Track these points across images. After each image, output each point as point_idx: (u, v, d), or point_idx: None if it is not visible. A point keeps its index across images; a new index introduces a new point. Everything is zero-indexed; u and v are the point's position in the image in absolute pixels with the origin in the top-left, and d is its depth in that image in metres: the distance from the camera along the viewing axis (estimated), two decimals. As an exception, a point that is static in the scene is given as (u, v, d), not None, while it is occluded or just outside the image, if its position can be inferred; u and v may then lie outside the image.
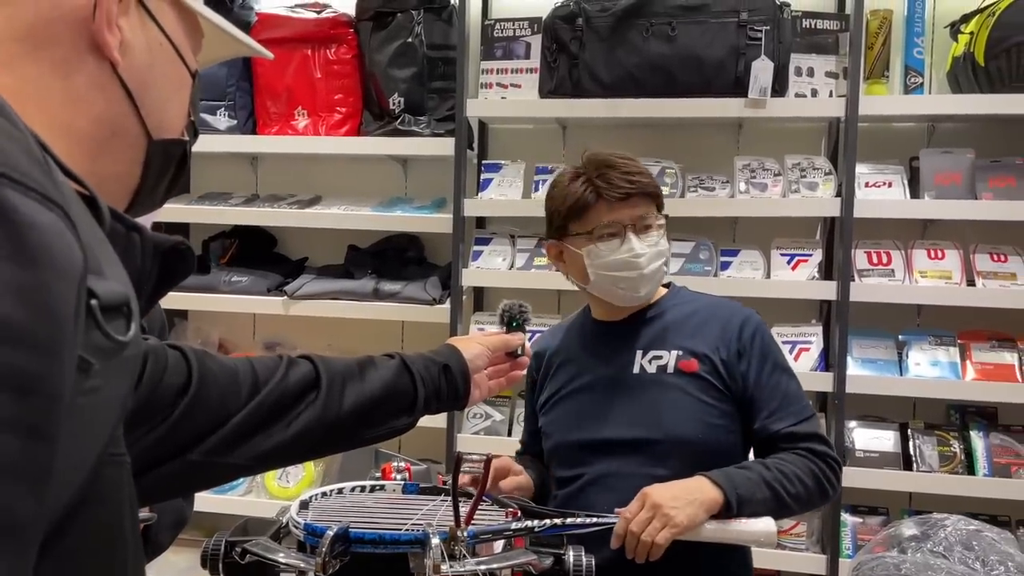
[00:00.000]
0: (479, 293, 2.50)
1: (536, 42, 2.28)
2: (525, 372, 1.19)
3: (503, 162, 2.36)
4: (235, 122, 2.43)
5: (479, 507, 1.02)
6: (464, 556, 0.84)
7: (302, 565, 0.86)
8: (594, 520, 1.04)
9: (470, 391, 1.05)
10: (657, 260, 1.36)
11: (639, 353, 1.37)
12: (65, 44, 0.56)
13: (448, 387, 1.03)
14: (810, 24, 2.18)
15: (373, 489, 1.24)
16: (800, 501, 1.25)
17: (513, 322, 1.18)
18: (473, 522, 0.97)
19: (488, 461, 0.98)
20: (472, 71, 2.32)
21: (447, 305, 2.30)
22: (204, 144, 2.42)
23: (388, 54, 2.34)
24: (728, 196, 2.22)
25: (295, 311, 2.37)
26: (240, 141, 2.44)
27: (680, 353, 1.35)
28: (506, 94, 2.30)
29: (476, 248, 2.35)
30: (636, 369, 1.36)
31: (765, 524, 1.17)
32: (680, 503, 1.16)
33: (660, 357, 1.36)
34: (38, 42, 0.55)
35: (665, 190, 2.22)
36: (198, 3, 0.67)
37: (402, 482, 1.27)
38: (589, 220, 1.35)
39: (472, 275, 2.31)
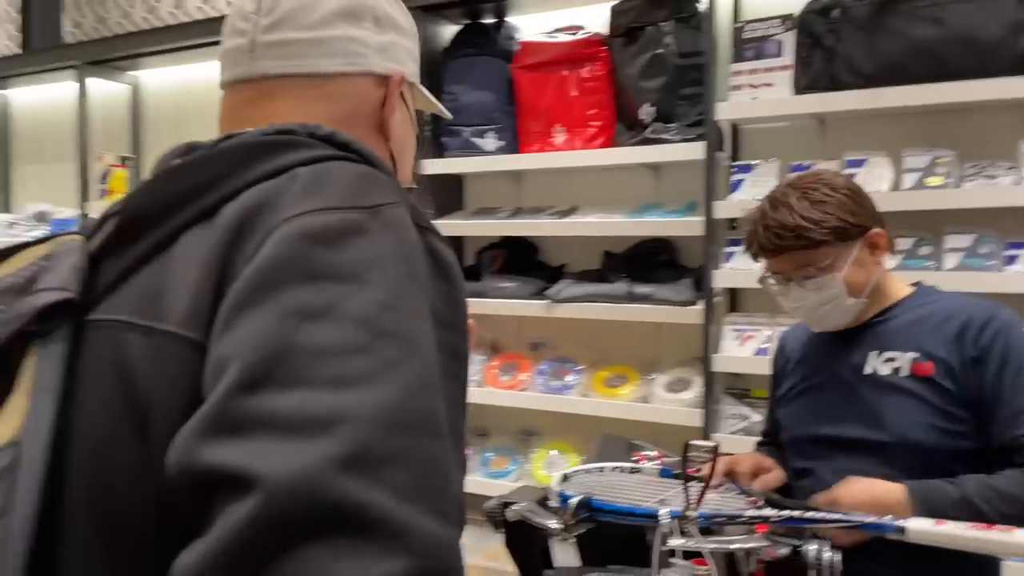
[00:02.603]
0: (734, 294, 2.51)
1: (788, 39, 2.25)
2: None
3: (754, 162, 2.35)
4: (502, 143, 2.67)
5: (725, 495, 1.08)
6: (693, 534, 0.91)
7: (550, 524, 0.99)
8: (836, 516, 1.06)
9: None
10: (824, 304, 1.35)
11: (873, 354, 1.35)
12: (362, 128, 0.77)
13: None
14: (1113, -15, 1.93)
15: (633, 471, 1.34)
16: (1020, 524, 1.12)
17: None
18: (714, 507, 1.03)
19: (715, 449, 1.03)
20: (722, 74, 2.34)
21: (700, 306, 2.34)
22: (475, 165, 2.71)
23: (639, 67, 2.44)
24: (1014, 183, 2.02)
25: (556, 313, 2.55)
26: (506, 160, 2.67)
27: (915, 356, 1.31)
28: (757, 94, 2.30)
29: (728, 250, 2.37)
30: (869, 370, 1.34)
31: None
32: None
33: (893, 359, 1.33)
34: (347, 126, 0.74)
35: (937, 181, 2.09)
36: (424, 90, 0.88)
37: (660, 466, 1.36)
38: (762, 260, 1.45)
39: (724, 276, 2.32)
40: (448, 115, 1.01)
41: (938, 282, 1.99)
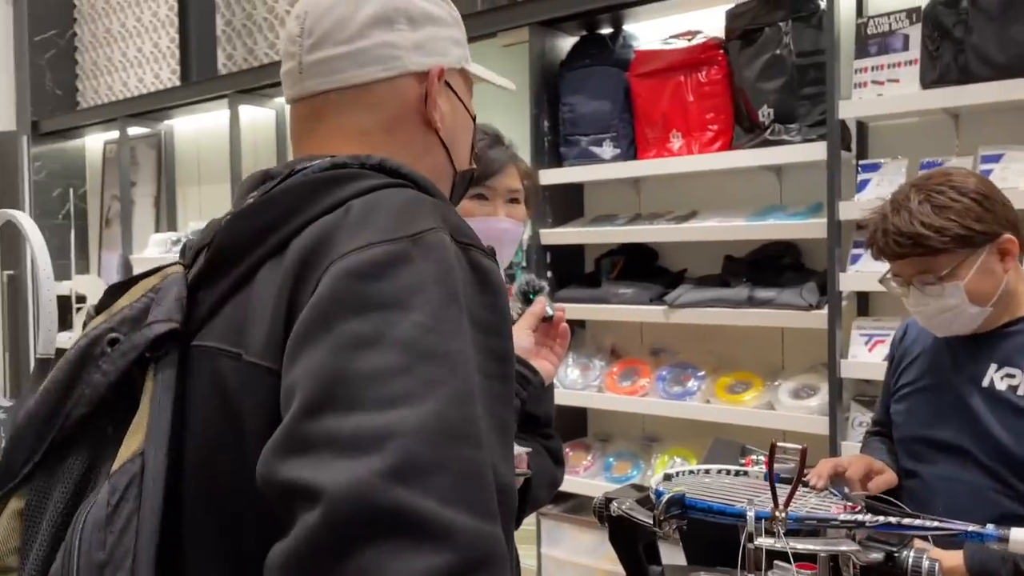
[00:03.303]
0: (863, 298, 2.42)
1: (915, 33, 2.17)
2: (565, 325, 1.22)
3: (882, 161, 2.27)
4: (618, 151, 2.70)
5: (826, 499, 1.08)
6: (781, 535, 0.92)
7: (644, 520, 1.03)
8: (935, 524, 1.03)
9: (535, 369, 1.16)
10: (945, 312, 1.32)
11: (993, 367, 1.31)
12: (410, 126, 0.84)
13: (518, 378, 1.13)
14: None
15: (738, 474, 1.35)
16: None
17: (530, 295, 1.26)
18: (809, 510, 1.04)
19: (803, 452, 1.04)
20: (844, 72, 2.28)
21: (824, 311, 2.28)
22: (593, 173, 2.75)
23: (756, 69, 2.42)
24: None
25: (675, 319, 2.55)
26: (623, 167, 2.70)
27: None
28: (882, 91, 2.22)
29: (855, 251, 2.29)
30: (986, 383, 1.30)
31: None
32: None
33: (1013, 376, 1.28)
34: (395, 129, 0.83)
35: (1085, 174, 1.95)
36: (475, 67, 0.91)
37: (763, 471, 1.36)
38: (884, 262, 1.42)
39: (851, 279, 2.25)
40: (511, 86, 1.01)
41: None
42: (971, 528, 1.00)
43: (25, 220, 1.09)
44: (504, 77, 0.97)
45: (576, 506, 2.82)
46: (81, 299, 4.38)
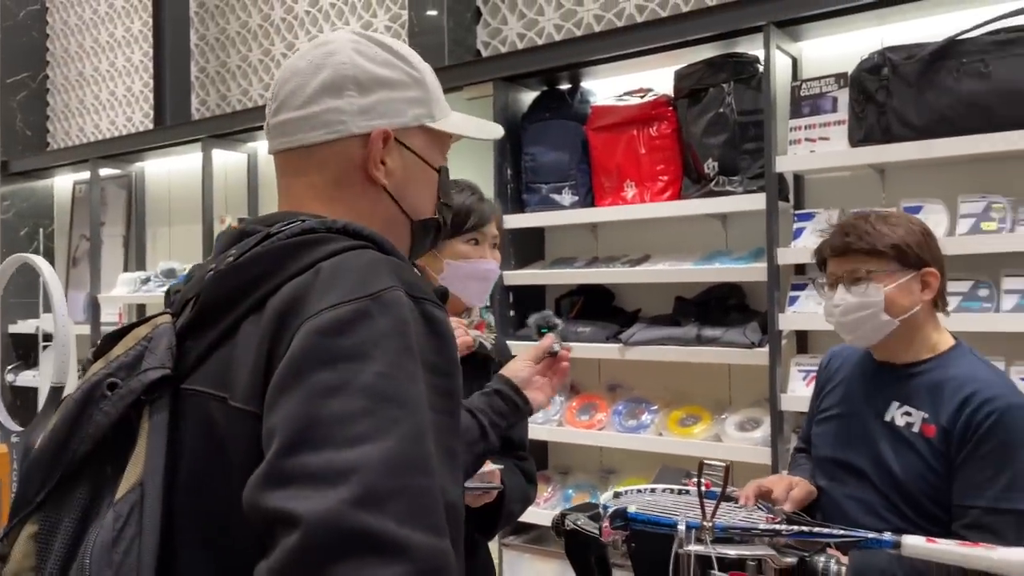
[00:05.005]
0: (803, 337, 2.61)
1: (843, 96, 2.39)
2: (567, 364, 1.35)
3: (816, 211, 2.48)
4: (577, 198, 2.88)
5: (753, 512, 1.23)
6: (708, 543, 1.07)
7: (590, 531, 1.17)
8: (840, 532, 1.19)
9: (528, 398, 1.27)
10: (860, 311, 1.47)
11: (895, 404, 1.49)
12: (356, 182, 0.94)
13: (506, 404, 1.26)
14: None
15: (681, 492, 1.50)
16: None
17: (541, 329, 1.37)
18: (735, 521, 1.18)
19: (727, 468, 1.19)
20: (781, 131, 2.50)
21: (766, 348, 2.46)
22: (553, 219, 2.93)
23: (702, 125, 2.62)
24: (1071, 226, 2.08)
25: (630, 356, 2.71)
26: (582, 214, 2.88)
27: (926, 417, 1.45)
28: (815, 147, 2.44)
29: (793, 294, 2.49)
30: (888, 418, 1.49)
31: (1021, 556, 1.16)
32: None
33: (909, 415, 1.47)
34: (342, 185, 0.93)
35: (992, 226, 2.17)
36: (445, 122, 0.98)
37: (705, 490, 1.51)
38: (824, 271, 1.58)
39: (789, 319, 2.44)
40: (495, 135, 1.09)
41: (998, 323, 2.08)
42: (871, 535, 1.16)
43: (41, 263, 1.19)
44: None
45: (537, 537, 2.93)
46: (48, 337, 4.41)
